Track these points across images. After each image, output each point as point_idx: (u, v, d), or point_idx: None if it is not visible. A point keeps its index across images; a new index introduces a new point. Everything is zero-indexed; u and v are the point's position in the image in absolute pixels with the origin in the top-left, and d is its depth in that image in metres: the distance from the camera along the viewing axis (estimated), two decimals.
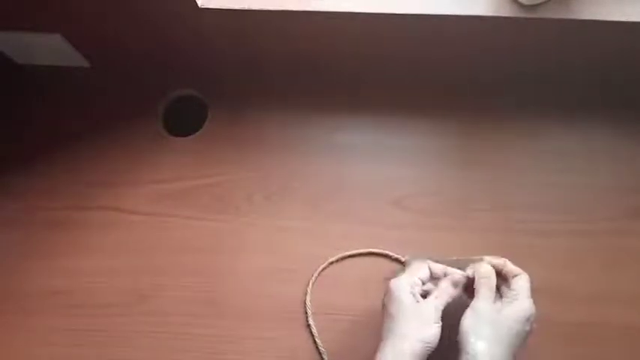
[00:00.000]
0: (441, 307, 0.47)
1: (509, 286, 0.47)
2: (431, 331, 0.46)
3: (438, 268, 0.51)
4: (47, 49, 0.69)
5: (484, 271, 0.48)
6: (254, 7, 0.56)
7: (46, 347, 0.58)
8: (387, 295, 0.49)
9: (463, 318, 0.46)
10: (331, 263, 0.60)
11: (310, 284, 0.59)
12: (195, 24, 0.61)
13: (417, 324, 0.46)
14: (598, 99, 0.67)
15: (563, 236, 0.60)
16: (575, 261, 0.59)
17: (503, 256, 0.50)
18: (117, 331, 0.59)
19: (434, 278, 0.50)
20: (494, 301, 0.47)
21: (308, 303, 0.58)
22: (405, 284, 0.48)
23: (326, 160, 0.66)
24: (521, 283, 0.47)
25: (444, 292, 0.48)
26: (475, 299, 0.47)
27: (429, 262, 0.51)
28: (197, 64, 0.71)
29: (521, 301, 0.46)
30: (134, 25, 0.63)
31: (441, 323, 0.46)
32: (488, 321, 0.45)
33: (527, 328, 0.46)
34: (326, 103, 0.69)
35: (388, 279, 0.50)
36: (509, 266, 0.49)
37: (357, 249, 0.61)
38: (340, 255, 0.61)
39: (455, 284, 0.49)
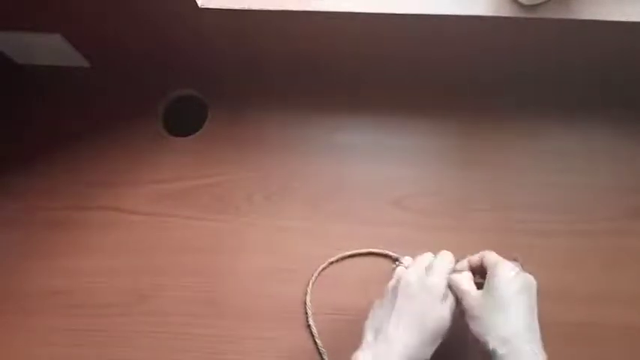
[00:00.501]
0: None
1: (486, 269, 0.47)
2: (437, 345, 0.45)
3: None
4: (47, 49, 0.69)
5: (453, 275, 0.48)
6: (254, 7, 0.56)
7: (46, 347, 0.58)
8: (415, 287, 0.46)
9: (467, 328, 0.45)
10: (331, 263, 0.60)
11: (310, 284, 0.59)
12: (195, 24, 0.61)
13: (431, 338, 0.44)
14: (598, 99, 0.67)
15: (563, 236, 0.60)
16: (575, 261, 0.59)
17: (503, 257, 0.49)
18: (117, 331, 0.59)
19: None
20: (480, 291, 0.45)
21: (308, 303, 0.58)
22: (443, 281, 0.46)
23: (326, 160, 0.66)
24: (490, 257, 0.47)
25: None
26: (461, 300, 0.46)
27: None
28: (197, 64, 0.71)
29: (499, 266, 0.45)
30: (134, 25, 0.63)
31: None
32: (489, 308, 0.43)
33: (520, 279, 0.44)
34: (326, 103, 0.69)
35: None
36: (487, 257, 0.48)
37: (357, 249, 0.61)
38: (340, 255, 0.61)
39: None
